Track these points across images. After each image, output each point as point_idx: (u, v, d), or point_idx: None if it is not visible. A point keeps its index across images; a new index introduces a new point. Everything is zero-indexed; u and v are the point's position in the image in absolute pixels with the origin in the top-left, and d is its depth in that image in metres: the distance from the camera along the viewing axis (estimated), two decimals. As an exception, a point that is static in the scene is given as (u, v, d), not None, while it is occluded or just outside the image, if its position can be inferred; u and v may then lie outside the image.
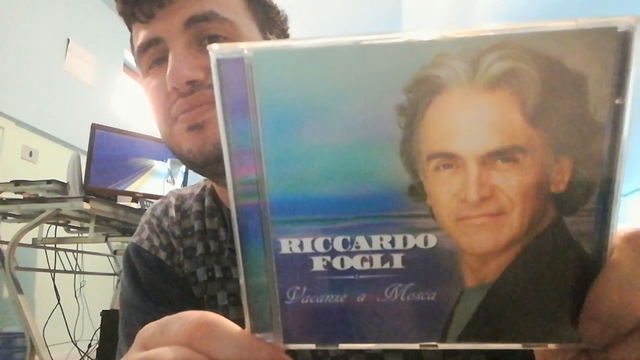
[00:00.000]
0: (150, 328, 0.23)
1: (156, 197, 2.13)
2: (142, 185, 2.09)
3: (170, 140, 0.52)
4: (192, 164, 0.51)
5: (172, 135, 0.51)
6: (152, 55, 0.51)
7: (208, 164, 0.49)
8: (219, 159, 0.48)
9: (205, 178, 0.63)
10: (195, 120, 0.48)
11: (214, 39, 0.49)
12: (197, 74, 0.48)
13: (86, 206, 1.66)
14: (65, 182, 1.89)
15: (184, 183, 2.25)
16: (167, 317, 0.23)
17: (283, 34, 0.57)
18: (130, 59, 3.63)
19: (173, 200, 0.62)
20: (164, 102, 0.50)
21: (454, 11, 3.91)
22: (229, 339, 0.21)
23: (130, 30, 0.55)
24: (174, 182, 2.22)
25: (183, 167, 2.26)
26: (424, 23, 4.07)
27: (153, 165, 2.15)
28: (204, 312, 0.22)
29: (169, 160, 2.22)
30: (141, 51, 0.51)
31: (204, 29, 0.49)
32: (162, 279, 0.56)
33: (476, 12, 3.88)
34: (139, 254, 0.58)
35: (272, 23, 0.55)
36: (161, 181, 2.18)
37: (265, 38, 0.53)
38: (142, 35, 0.51)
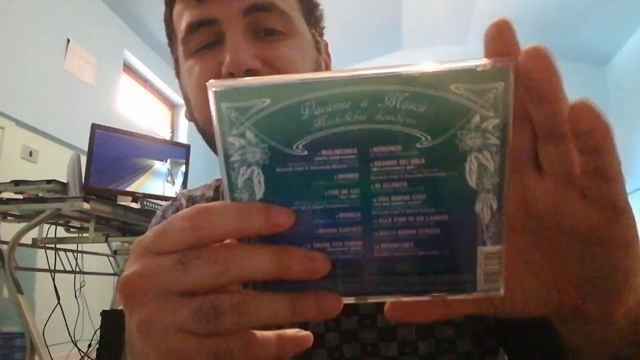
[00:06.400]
0: (147, 236, 0.23)
1: (156, 197, 2.13)
2: (142, 185, 2.10)
3: (210, 128, 0.50)
4: None
5: None
6: (203, 37, 0.49)
7: None
8: None
9: (216, 179, 0.62)
10: None
11: (271, 32, 0.49)
12: (256, 63, 0.47)
13: (86, 206, 1.66)
14: (65, 182, 1.89)
15: (184, 183, 2.25)
16: (164, 223, 0.23)
17: (321, 31, 0.57)
18: (131, 59, 3.64)
19: (184, 203, 0.60)
20: None
21: (454, 11, 3.92)
22: (226, 209, 0.22)
23: (170, 5, 0.53)
24: (173, 182, 2.22)
25: (183, 167, 2.26)
26: (424, 23, 4.08)
27: (153, 165, 2.15)
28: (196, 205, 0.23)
29: (169, 160, 2.22)
30: (191, 30, 0.49)
31: (262, 19, 0.48)
32: None
33: (476, 12, 3.88)
34: None
35: (316, 21, 0.55)
36: (161, 181, 2.18)
37: (312, 35, 0.53)
38: (193, 14, 0.49)
